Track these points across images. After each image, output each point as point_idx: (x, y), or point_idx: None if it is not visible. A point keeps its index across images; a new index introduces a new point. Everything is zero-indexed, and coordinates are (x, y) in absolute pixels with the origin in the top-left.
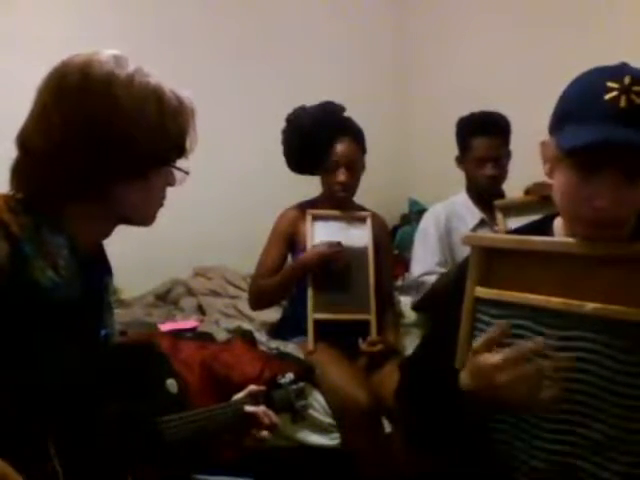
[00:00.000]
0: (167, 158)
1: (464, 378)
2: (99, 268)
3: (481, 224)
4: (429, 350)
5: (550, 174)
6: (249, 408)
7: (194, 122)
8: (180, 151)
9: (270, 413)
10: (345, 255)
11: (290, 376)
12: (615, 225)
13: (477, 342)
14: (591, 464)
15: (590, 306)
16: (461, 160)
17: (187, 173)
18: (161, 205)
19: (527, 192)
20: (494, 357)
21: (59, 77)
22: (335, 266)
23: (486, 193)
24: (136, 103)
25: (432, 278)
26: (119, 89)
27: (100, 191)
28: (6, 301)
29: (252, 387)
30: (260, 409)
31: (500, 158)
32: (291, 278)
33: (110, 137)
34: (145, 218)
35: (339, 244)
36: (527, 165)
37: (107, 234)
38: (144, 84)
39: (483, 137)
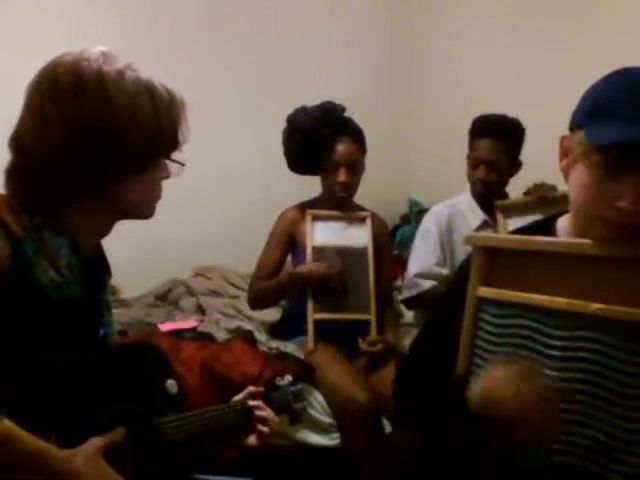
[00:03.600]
0: (163, 151)
1: (473, 396)
2: (98, 267)
3: (484, 225)
4: (425, 346)
5: (567, 169)
6: (251, 402)
7: (185, 114)
8: (174, 143)
9: (269, 410)
10: (343, 271)
11: (289, 378)
12: (637, 229)
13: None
14: (595, 465)
15: (594, 306)
16: (468, 159)
17: (183, 165)
18: (159, 198)
19: (527, 193)
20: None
21: (51, 79)
22: (333, 283)
23: (479, 195)
24: (129, 99)
25: (427, 283)
26: (111, 86)
27: (99, 189)
28: (7, 301)
29: (251, 388)
30: (260, 403)
31: (494, 162)
32: (287, 288)
33: (106, 135)
34: (145, 212)
35: (338, 262)
36: (527, 166)
37: (107, 231)
38: (135, 80)
39: (483, 139)
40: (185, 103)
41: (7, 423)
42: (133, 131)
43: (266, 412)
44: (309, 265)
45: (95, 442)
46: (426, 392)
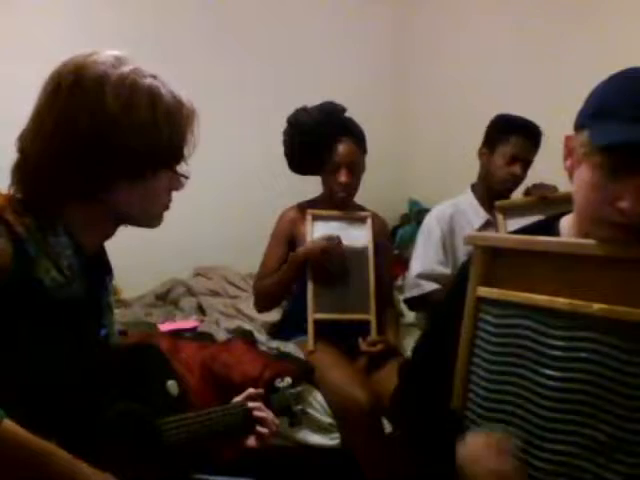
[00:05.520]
0: (163, 160)
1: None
2: (100, 268)
3: (486, 225)
4: (427, 352)
5: (571, 170)
6: (251, 404)
7: (193, 125)
8: (176, 154)
9: (268, 411)
10: (343, 249)
11: (288, 380)
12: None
13: None
14: (595, 465)
15: (596, 307)
16: (485, 154)
17: (187, 177)
18: (166, 208)
19: (526, 193)
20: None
21: (55, 79)
22: (334, 261)
23: (502, 190)
24: (124, 102)
25: (429, 285)
26: (108, 89)
27: (95, 191)
28: (10, 300)
29: (251, 390)
30: (259, 404)
31: (529, 162)
32: (292, 272)
33: (96, 136)
34: (147, 220)
35: (338, 237)
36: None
37: (108, 235)
38: (136, 83)
39: (523, 137)
40: (196, 115)
41: (9, 423)
42: (126, 134)
43: (265, 413)
44: (309, 243)
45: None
46: (426, 413)
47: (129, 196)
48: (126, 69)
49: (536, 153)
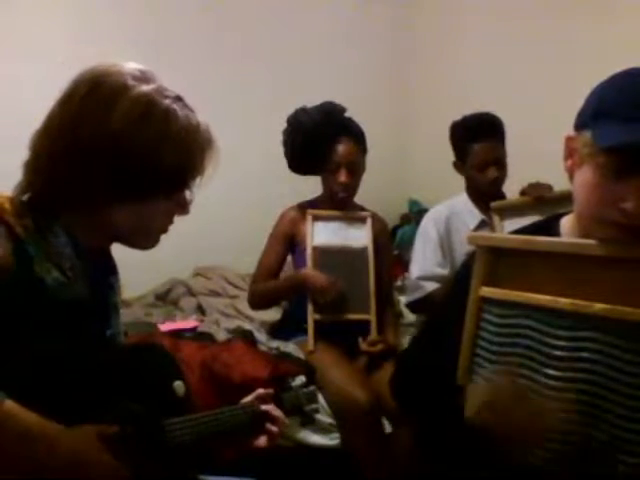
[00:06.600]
0: (164, 183)
1: (470, 410)
2: (104, 268)
3: (481, 225)
4: (425, 345)
5: (572, 170)
6: (263, 407)
7: (207, 156)
8: (180, 180)
9: (279, 410)
10: (340, 288)
11: (302, 379)
12: None
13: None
14: (596, 465)
15: (598, 307)
16: (460, 166)
17: (184, 206)
18: (163, 231)
19: (522, 193)
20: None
21: (74, 83)
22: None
23: (489, 196)
24: (131, 119)
25: (431, 285)
26: (121, 103)
27: (88, 202)
28: (12, 300)
29: (260, 390)
30: (271, 406)
31: (500, 159)
32: (287, 291)
33: (96, 147)
34: (140, 241)
35: (337, 280)
36: (523, 166)
37: (106, 245)
38: (151, 103)
39: (482, 142)
40: (213, 146)
41: (10, 403)
42: (128, 151)
43: (277, 412)
44: (310, 271)
45: (92, 427)
46: (423, 393)
47: (123, 213)
48: (146, 87)
49: (503, 144)
